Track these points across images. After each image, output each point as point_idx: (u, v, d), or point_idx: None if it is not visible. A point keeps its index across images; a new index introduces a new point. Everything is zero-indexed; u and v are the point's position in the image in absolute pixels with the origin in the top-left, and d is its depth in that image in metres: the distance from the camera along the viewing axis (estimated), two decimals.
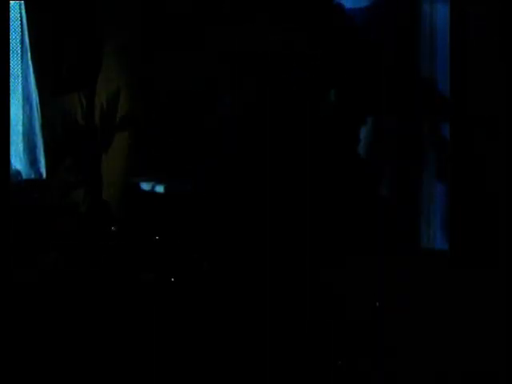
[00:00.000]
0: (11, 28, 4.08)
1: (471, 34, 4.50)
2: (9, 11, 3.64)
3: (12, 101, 4.07)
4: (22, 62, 4.16)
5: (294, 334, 3.61)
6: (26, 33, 4.15)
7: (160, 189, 4.72)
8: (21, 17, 4.14)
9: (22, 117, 4.21)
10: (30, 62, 4.17)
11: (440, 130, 4.63)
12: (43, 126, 4.21)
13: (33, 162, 4.25)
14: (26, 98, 4.20)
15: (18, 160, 4.21)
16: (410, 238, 4.68)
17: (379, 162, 4.71)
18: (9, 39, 3.96)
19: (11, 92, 4.06)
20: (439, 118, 4.62)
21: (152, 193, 4.72)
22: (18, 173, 4.21)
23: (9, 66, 3.65)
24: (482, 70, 4.46)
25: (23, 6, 4.13)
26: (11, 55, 4.09)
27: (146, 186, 4.78)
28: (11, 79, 4.06)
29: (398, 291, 3.86)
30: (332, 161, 4.54)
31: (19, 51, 4.16)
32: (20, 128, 4.21)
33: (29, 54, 4.16)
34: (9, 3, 3.56)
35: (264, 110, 4.60)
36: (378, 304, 3.70)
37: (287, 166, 4.54)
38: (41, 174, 4.27)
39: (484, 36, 4.46)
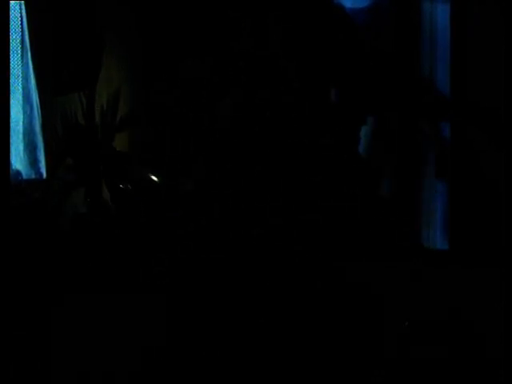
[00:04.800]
0: (11, 28, 4.09)
1: (472, 33, 4.50)
2: (9, 11, 3.65)
3: (12, 101, 4.08)
4: (22, 62, 4.17)
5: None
6: (26, 33, 4.15)
7: (160, 188, 4.73)
8: (21, 17, 4.14)
9: (22, 117, 4.21)
10: (30, 62, 4.17)
11: (440, 130, 4.63)
12: (43, 126, 4.22)
13: (33, 162, 4.25)
14: (26, 98, 4.21)
15: (18, 160, 4.21)
16: (410, 238, 4.69)
17: (379, 162, 4.71)
18: (9, 39, 3.96)
19: (11, 92, 4.07)
20: (439, 118, 4.62)
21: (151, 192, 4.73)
22: (18, 173, 4.21)
23: (9, 66, 3.65)
24: (483, 70, 4.46)
25: (23, 6, 4.13)
26: (11, 55, 4.09)
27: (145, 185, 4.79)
28: (11, 79, 4.06)
29: (398, 291, 3.86)
30: (332, 160, 4.54)
31: (19, 51, 4.16)
32: (20, 128, 4.21)
33: (29, 54, 4.17)
34: (9, 3, 3.56)
35: (263, 109, 4.61)
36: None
37: (287, 165, 4.55)
38: (41, 174, 4.27)
39: (484, 36, 4.46)
